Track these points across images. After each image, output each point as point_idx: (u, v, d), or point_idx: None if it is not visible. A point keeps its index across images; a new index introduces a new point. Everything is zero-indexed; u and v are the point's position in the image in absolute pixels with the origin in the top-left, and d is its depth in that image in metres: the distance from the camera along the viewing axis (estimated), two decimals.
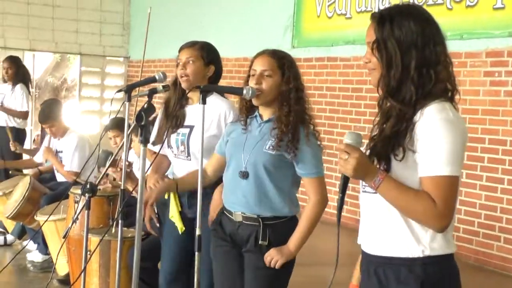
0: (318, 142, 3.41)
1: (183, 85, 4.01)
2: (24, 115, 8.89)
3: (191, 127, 3.98)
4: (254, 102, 3.42)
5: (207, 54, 4.04)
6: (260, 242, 3.35)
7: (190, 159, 3.99)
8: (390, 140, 2.35)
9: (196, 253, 3.38)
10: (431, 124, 2.30)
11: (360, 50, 8.59)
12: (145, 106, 3.01)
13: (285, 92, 3.38)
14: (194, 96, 3.99)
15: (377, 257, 2.45)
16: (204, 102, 3.37)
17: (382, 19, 2.42)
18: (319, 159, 3.41)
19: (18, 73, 8.79)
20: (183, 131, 4.01)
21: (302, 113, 3.40)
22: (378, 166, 2.36)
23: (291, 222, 3.42)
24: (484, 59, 6.97)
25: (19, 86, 8.74)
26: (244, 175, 3.38)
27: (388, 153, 2.35)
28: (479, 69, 6.98)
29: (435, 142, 2.28)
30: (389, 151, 2.34)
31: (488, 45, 6.94)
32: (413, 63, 2.35)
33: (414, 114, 2.34)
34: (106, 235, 4.42)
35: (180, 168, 4.06)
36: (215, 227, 3.54)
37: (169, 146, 4.08)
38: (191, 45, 4.07)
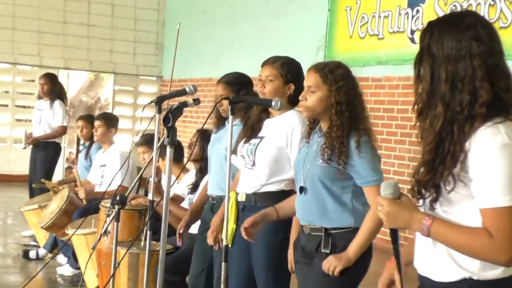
0: (372, 151, 3.31)
1: None
2: (63, 131, 9.06)
3: (261, 138, 3.93)
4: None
5: (287, 73, 3.92)
6: (322, 250, 3.30)
7: (254, 169, 3.95)
8: (433, 166, 2.21)
9: (223, 264, 3.37)
10: (484, 151, 2.12)
11: (392, 71, 8.56)
12: (173, 108, 3.01)
13: (329, 106, 3.31)
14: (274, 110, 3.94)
15: (429, 280, 2.36)
16: (232, 113, 3.36)
17: (424, 31, 2.32)
18: (373, 168, 3.29)
19: (54, 90, 8.97)
20: (254, 141, 3.94)
21: (347, 126, 3.30)
22: (427, 195, 2.25)
23: (355, 233, 3.30)
24: None
25: (57, 103, 8.93)
26: (302, 190, 3.36)
27: (435, 181, 2.21)
28: None
29: (490, 171, 2.10)
30: (437, 179, 2.20)
31: None
32: (444, 76, 2.21)
33: (462, 137, 2.17)
34: (135, 248, 4.43)
35: (245, 178, 4.00)
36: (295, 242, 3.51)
37: (242, 156, 4.03)
38: (272, 62, 3.95)
